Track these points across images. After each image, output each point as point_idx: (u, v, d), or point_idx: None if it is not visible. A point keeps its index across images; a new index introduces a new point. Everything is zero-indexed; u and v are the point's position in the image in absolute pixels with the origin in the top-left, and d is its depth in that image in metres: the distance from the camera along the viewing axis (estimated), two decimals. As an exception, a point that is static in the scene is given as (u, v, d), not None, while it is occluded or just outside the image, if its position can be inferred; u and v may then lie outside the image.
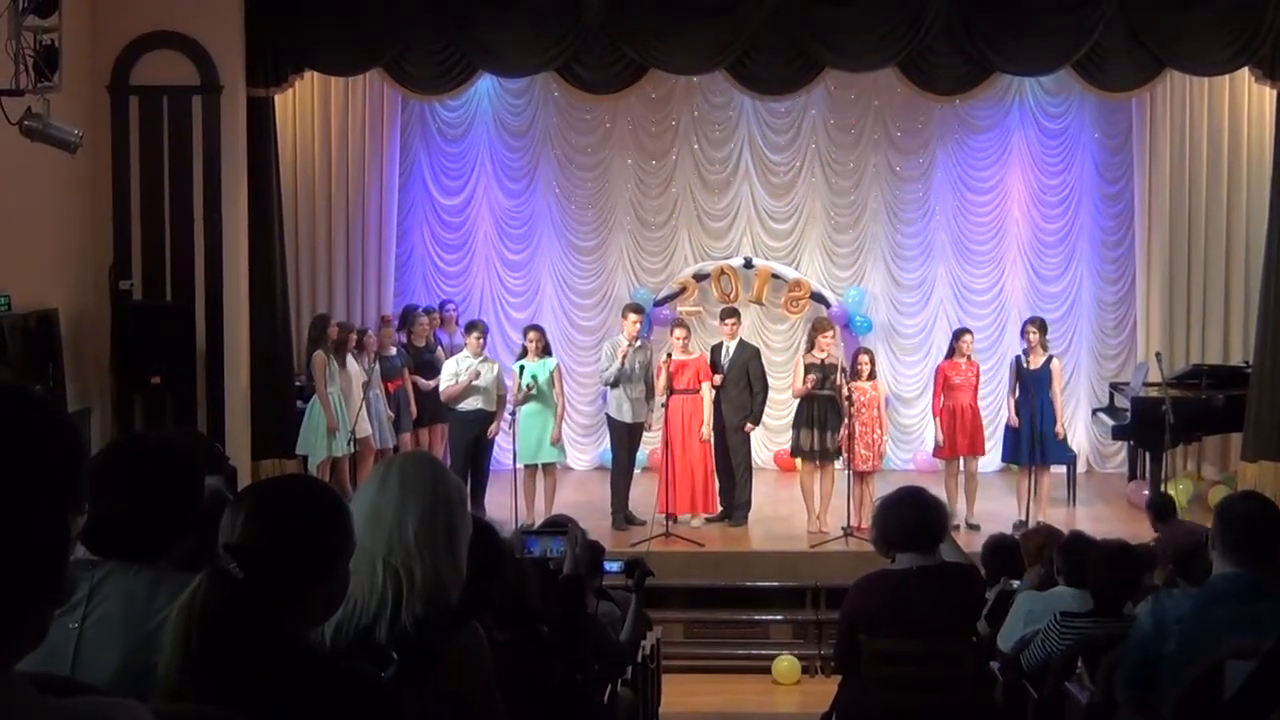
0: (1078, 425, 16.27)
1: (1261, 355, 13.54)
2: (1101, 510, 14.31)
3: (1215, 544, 5.05)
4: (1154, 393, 13.83)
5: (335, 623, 3.11)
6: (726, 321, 13.54)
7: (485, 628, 3.53)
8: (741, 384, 13.33)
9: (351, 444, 13.12)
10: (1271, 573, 4.97)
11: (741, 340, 13.62)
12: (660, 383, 13.09)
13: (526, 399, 13.06)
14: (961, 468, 13.53)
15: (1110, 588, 6.31)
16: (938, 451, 13.76)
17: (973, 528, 13.03)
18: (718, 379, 13.30)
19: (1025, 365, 13.30)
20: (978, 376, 13.60)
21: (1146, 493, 13.79)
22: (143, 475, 3.34)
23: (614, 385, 13.28)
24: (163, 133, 12.85)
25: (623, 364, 13.12)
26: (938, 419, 13.57)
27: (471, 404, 13.20)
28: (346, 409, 13.07)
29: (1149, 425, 13.43)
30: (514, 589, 5.14)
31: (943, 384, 13.45)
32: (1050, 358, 13.43)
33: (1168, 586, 6.44)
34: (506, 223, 16.62)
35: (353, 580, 2.91)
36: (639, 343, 13.36)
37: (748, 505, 13.55)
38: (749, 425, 13.48)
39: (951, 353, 13.58)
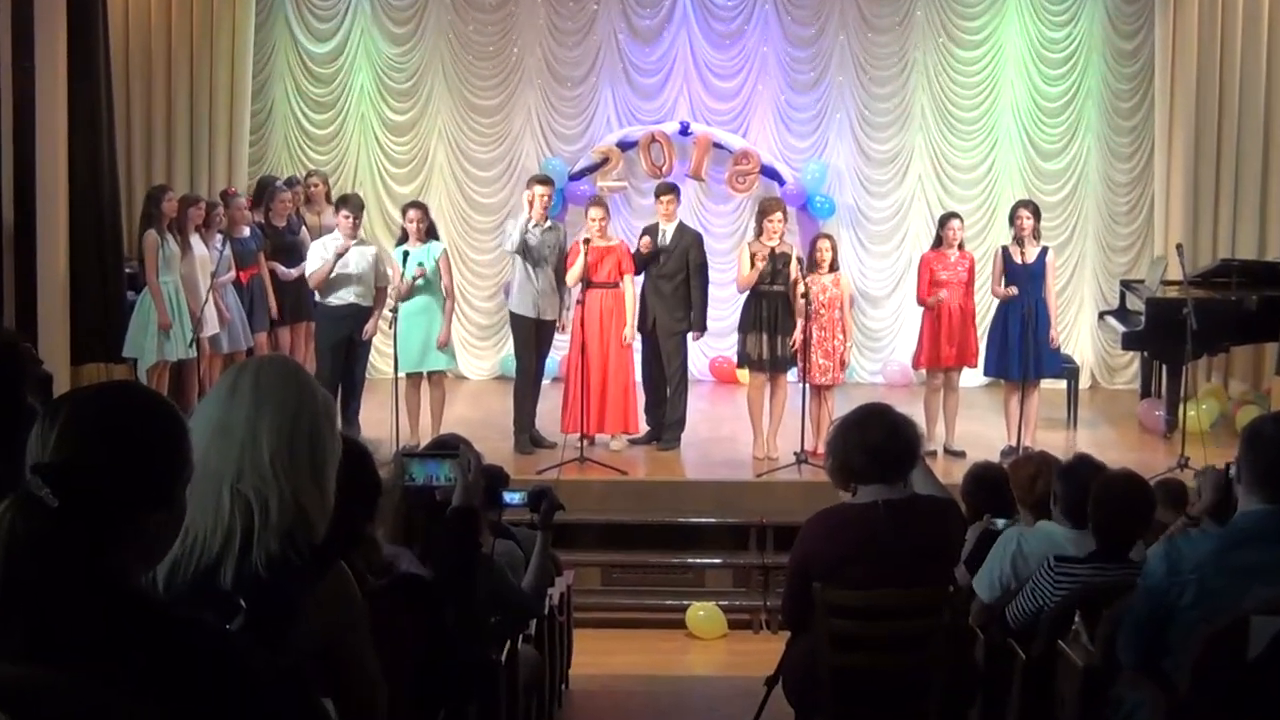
0: (1081, 331, 16.44)
1: (1302, 250, 13.66)
2: (1107, 434, 14.43)
3: (1241, 476, 5.09)
4: (1173, 293, 13.94)
5: (170, 562, 3.09)
6: (662, 199, 13.45)
7: (355, 571, 3.52)
8: (680, 278, 13.26)
9: (193, 346, 13.03)
10: (1307, 511, 5.03)
11: (681, 223, 13.57)
12: (573, 274, 12.98)
13: (412, 292, 12.98)
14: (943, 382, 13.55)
15: (1115, 528, 6.36)
16: (917, 360, 13.81)
17: (954, 454, 13.10)
18: (657, 267, 13.20)
19: (1015, 258, 13.25)
20: (971, 271, 13.48)
21: (1160, 413, 13.93)
22: None
23: (521, 255, 13.08)
24: (-40, -43, 12.64)
25: (523, 237, 12.98)
26: (922, 322, 13.56)
27: (342, 296, 13.06)
28: (188, 302, 12.94)
29: (1167, 332, 13.48)
30: (393, 524, 5.15)
31: (928, 279, 13.37)
32: (1045, 249, 13.40)
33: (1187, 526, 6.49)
34: (389, 75, 16.52)
35: (192, 511, 2.88)
36: (549, 223, 13.27)
37: (681, 424, 13.59)
38: (695, 335, 13.51)
39: (938, 242, 13.49)
